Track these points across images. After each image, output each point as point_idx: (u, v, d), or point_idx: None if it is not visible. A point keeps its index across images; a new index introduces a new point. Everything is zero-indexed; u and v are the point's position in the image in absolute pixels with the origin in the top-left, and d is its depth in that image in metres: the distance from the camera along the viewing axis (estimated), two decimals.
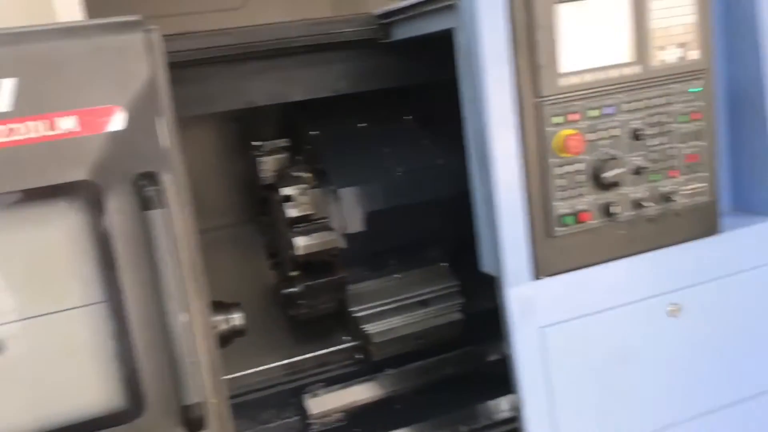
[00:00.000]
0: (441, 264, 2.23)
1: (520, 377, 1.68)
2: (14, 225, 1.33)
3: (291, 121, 2.23)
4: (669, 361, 1.77)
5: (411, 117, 2.25)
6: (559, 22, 1.58)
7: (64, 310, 1.39)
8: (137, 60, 1.36)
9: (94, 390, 1.41)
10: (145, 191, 1.34)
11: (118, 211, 1.36)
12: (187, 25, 2.06)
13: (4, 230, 1.33)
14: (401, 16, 1.90)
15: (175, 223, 1.39)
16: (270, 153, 2.08)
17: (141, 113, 1.37)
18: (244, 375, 2.21)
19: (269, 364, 2.23)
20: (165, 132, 1.39)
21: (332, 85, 2.07)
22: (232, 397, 2.17)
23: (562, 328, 1.70)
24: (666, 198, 1.73)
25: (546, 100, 1.60)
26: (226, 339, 1.83)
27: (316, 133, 2.14)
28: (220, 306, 1.86)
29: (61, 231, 1.36)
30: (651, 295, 1.76)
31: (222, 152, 2.42)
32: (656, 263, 1.76)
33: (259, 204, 2.26)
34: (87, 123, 1.33)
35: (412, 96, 2.26)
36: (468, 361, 2.28)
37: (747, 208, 1.94)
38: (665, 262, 1.77)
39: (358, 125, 2.21)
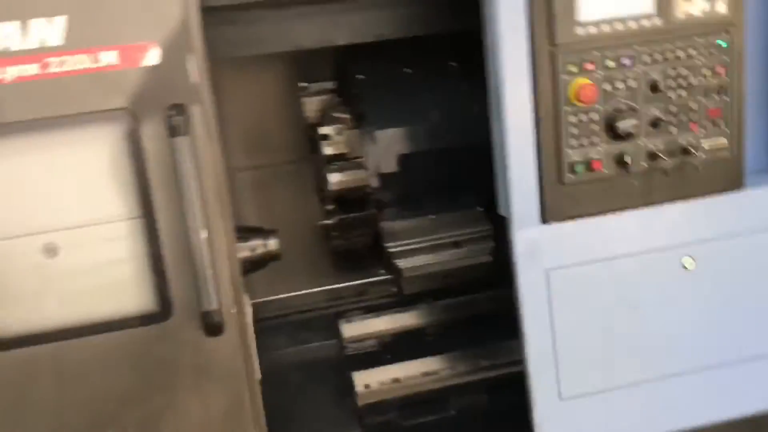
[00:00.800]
0: (476, 208, 2.31)
1: (524, 318, 1.77)
2: (64, 146, 1.54)
3: (341, 64, 2.35)
4: (678, 313, 1.80)
5: (456, 64, 2.31)
6: None
7: (106, 222, 1.59)
8: (172, 2, 1.51)
9: (129, 293, 1.62)
10: (173, 120, 1.51)
11: (151, 137, 1.54)
12: None
13: (55, 150, 1.54)
14: None
15: (201, 150, 1.55)
16: (315, 94, 2.21)
17: (174, 50, 1.53)
18: (287, 297, 2.40)
19: (310, 289, 2.41)
20: (195, 68, 1.55)
21: (376, 30, 2.16)
22: (275, 317, 2.40)
23: (569, 272, 1.76)
24: (684, 151, 1.73)
25: (561, 49, 1.64)
26: (261, 261, 2.02)
27: (361, 77, 2.25)
28: (258, 231, 2.04)
29: (103, 152, 1.55)
30: (665, 247, 1.79)
31: (284, 93, 2.58)
32: (672, 216, 1.78)
33: (310, 142, 2.42)
34: (126, 57, 1.50)
35: (459, 43, 2.31)
36: (497, 302, 2.37)
37: None
38: (682, 215, 1.78)
39: (404, 70, 2.29)
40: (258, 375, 1.77)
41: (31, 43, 1.47)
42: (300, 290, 2.42)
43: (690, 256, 1.79)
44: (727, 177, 1.78)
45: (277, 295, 2.40)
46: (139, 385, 1.63)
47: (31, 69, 1.48)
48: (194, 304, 1.61)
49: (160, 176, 1.56)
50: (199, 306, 1.59)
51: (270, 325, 2.35)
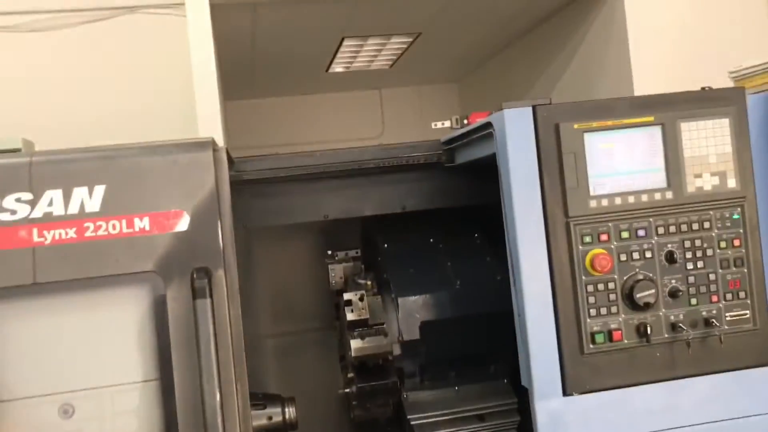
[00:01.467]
0: (501, 379, 2.26)
1: None
2: (91, 306, 1.60)
3: (367, 232, 2.43)
4: None
5: (479, 235, 2.37)
6: (587, 148, 1.69)
7: (124, 384, 1.61)
8: (204, 173, 1.62)
9: None
10: (197, 282, 1.56)
11: (175, 298, 1.59)
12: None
13: (82, 311, 1.60)
14: (460, 143, 2.08)
15: (222, 313, 1.59)
16: (340, 261, 2.28)
17: (203, 218, 1.62)
18: None
19: None
20: (222, 234, 1.62)
21: (401, 202, 2.27)
22: None
23: None
24: (706, 323, 1.71)
25: (576, 221, 1.69)
26: (278, 430, 1.98)
27: (386, 245, 2.32)
28: (276, 399, 2.02)
29: (128, 313, 1.61)
30: (693, 426, 1.71)
31: (311, 261, 2.66)
32: (700, 391, 1.72)
33: (335, 309, 2.45)
34: (157, 223, 1.59)
35: (482, 215, 2.39)
36: None
37: None
38: (710, 391, 1.72)
39: (428, 240, 2.36)
40: None
41: (72, 209, 1.57)
42: None
43: None
44: (754, 351, 1.73)
45: None
46: None
47: (69, 233, 1.57)
48: None
49: (180, 337, 1.59)
50: None
51: None
